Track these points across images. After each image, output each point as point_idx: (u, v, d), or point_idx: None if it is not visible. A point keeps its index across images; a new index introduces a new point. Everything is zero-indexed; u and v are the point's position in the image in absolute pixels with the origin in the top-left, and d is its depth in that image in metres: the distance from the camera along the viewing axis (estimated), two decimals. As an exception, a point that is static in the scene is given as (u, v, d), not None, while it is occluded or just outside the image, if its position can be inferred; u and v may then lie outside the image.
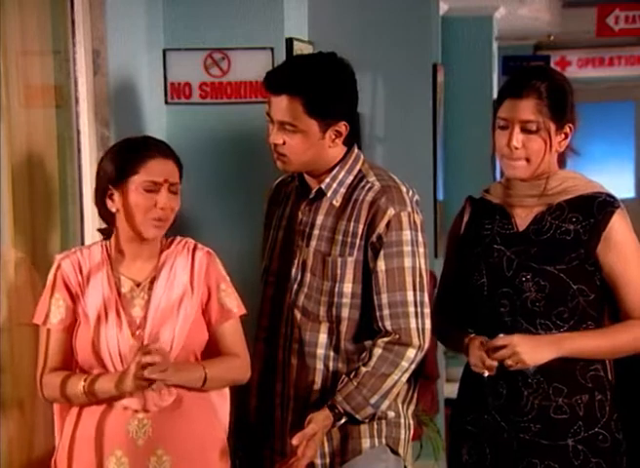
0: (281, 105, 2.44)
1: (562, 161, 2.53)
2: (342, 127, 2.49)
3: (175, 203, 2.38)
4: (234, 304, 2.46)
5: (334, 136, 2.49)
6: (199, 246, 2.46)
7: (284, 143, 2.47)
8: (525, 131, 2.42)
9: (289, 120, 2.44)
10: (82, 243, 2.77)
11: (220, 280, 2.45)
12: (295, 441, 2.35)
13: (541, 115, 2.41)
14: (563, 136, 2.45)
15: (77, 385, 2.33)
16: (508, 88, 2.47)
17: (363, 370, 2.43)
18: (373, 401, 2.43)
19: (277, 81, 2.47)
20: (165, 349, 2.30)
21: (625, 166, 10.29)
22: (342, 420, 2.44)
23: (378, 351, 2.43)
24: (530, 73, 2.51)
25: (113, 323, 2.35)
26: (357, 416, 2.44)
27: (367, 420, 2.47)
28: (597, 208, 2.42)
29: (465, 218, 2.59)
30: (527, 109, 2.41)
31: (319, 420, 2.40)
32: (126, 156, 2.38)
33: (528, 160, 2.44)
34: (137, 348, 2.29)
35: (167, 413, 2.33)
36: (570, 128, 2.46)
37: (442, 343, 2.71)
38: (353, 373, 2.44)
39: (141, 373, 2.22)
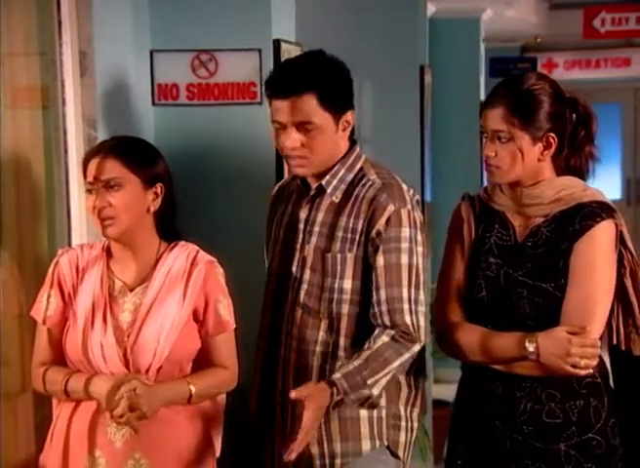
0: (296, 106, 2.42)
1: (585, 169, 2.52)
2: (350, 116, 2.52)
3: (115, 198, 2.33)
4: (230, 316, 2.44)
5: (344, 126, 2.51)
6: (201, 254, 2.43)
7: (302, 145, 2.45)
8: (498, 139, 2.43)
9: (306, 118, 2.43)
10: (69, 243, 2.77)
11: (218, 291, 2.42)
12: (293, 394, 2.28)
13: (511, 125, 2.40)
14: (542, 146, 2.43)
15: (58, 384, 2.34)
16: (487, 97, 2.50)
17: (366, 352, 2.39)
18: (369, 382, 2.39)
19: (287, 83, 2.45)
20: (149, 381, 2.29)
21: (612, 167, 10.32)
22: (338, 397, 2.35)
23: (384, 338, 2.41)
24: (505, 83, 2.50)
25: (99, 327, 2.34)
26: (351, 396, 2.37)
27: (358, 404, 2.44)
28: (580, 218, 2.41)
29: (473, 222, 2.56)
30: (495, 119, 2.42)
31: (316, 388, 2.33)
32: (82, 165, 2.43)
33: (499, 167, 2.44)
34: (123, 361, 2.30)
35: (149, 419, 2.28)
36: (553, 138, 2.43)
37: (473, 355, 2.48)
38: (355, 356, 2.40)
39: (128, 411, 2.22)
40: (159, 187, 2.40)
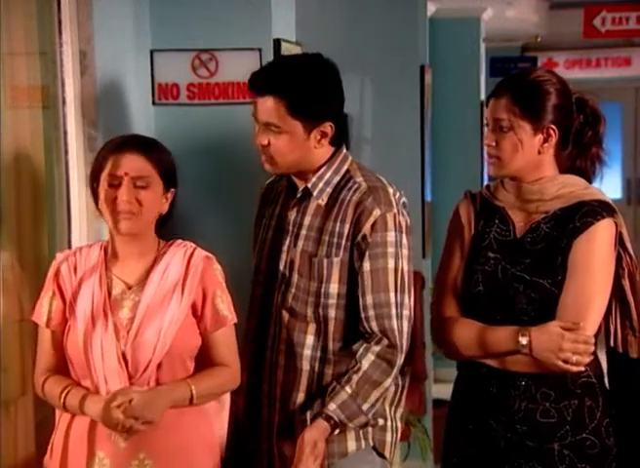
0: (265, 106, 2.45)
1: (591, 172, 2.53)
2: (328, 127, 2.49)
3: (142, 196, 2.35)
4: (229, 311, 2.44)
5: (319, 137, 2.49)
6: (198, 250, 2.44)
7: (269, 144, 2.47)
8: (499, 129, 2.44)
9: (273, 121, 2.45)
10: (69, 243, 2.77)
11: (216, 286, 2.42)
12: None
13: (512, 114, 2.41)
14: (543, 138, 2.44)
15: (56, 399, 2.35)
16: (493, 89, 2.50)
17: (355, 377, 2.42)
18: (365, 408, 2.43)
19: (260, 82, 2.48)
20: (143, 389, 2.30)
21: (612, 167, 10.31)
22: (337, 430, 2.43)
23: (370, 357, 2.43)
24: (512, 74, 2.54)
25: (100, 325, 2.35)
26: (350, 425, 2.44)
27: (358, 427, 2.47)
28: (580, 216, 2.41)
29: (472, 219, 2.56)
30: (498, 108, 2.43)
31: (319, 433, 2.39)
32: (98, 154, 2.44)
33: (499, 158, 2.45)
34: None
35: (157, 423, 2.30)
36: (553, 130, 2.44)
37: (467, 349, 2.48)
38: (345, 380, 2.43)
39: (127, 424, 2.24)
40: (171, 192, 2.45)
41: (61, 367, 2.40)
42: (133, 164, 2.35)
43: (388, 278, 2.45)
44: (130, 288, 2.40)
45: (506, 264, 2.46)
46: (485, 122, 2.50)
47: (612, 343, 2.47)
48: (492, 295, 2.46)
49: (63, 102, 2.77)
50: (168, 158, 2.45)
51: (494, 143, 2.45)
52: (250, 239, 2.75)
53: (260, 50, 3.03)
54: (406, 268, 2.49)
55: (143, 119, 3.08)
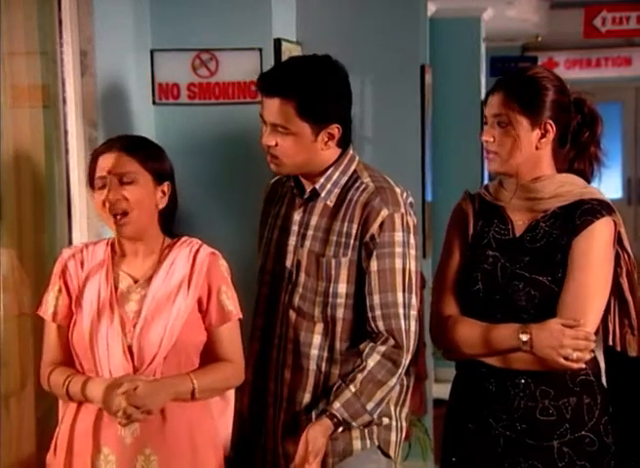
0: (273, 107, 2.45)
1: (589, 172, 2.53)
2: (335, 129, 2.49)
3: (128, 191, 2.35)
4: (234, 307, 2.44)
5: (326, 139, 2.49)
6: (204, 246, 2.45)
7: (276, 145, 2.47)
8: (498, 125, 2.45)
9: (281, 122, 2.44)
10: (70, 242, 2.78)
11: (221, 282, 2.43)
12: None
13: (510, 110, 2.42)
14: (540, 133, 2.45)
15: (60, 387, 2.35)
16: (491, 86, 2.51)
17: (360, 376, 2.42)
18: (369, 408, 2.44)
19: (270, 83, 2.48)
20: (148, 377, 2.30)
21: (612, 167, 10.30)
22: (340, 429, 2.44)
23: (375, 358, 2.44)
24: (511, 72, 2.57)
25: (106, 318, 2.36)
26: (354, 424, 2.45)
27: (362, 426, 2.48)
28: (580, 214, 2.42)
29: (471, 218, 2.56)
30: (497, 104, 2.45)
31: (322, 431, 2.40)
32: (89, 164, 2.44)
33: (498, 154, 2.46)
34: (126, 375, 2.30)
35: (156, 414, 2.31)
36: (551, 125, 2.45)
37: (469, 347, 2.48)
38: (349, 379, 2.43)
39: (128, 411, 2.24)
40: (166, 186, 2.43)
41: (67, 360, 2.40)
42: (114, 161, 2.35)
43: (396, 278, 2.45)
44: (136, 282, 2.41)
45: (506, 262, 2.47)
46: (484, 120, 2.51)
47: (610, 342, 2.48)
48: (491, 294, 2.46)
49: (64, 102, 2.78)
50: (155, 152, 2.44)
51: (492, 139, 2.46)
52: (254, 238, 2.75)
53: (260, 50, 3.04)
54: (413, 268, 2.49)
55: (144, 119, 3.09)
